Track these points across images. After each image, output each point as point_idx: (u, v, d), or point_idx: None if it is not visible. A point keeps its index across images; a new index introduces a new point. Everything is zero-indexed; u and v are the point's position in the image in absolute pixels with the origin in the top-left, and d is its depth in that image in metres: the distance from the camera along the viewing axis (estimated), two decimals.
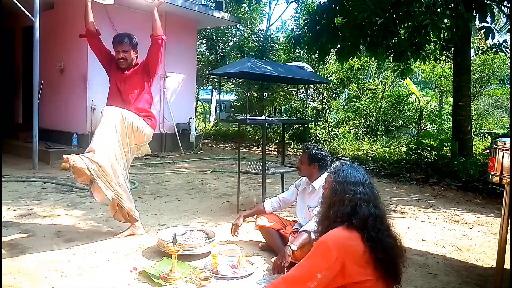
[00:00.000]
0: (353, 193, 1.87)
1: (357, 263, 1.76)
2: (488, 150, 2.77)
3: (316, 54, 7.36)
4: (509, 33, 9.01)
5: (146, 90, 3.55)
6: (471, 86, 9.24)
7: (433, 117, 12.97)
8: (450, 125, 8.81)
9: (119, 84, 3.48)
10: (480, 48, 9.63)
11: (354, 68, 12.66)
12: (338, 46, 6.47)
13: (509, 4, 6.71)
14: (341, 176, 1.94)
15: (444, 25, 5.70)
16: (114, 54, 3.49)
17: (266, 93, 12.78)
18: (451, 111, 8.21)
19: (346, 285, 1.78)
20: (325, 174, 2.95)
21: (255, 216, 3.42)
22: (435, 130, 11.25)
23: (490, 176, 2.63)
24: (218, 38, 13.77)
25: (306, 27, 6.72)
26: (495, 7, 6.73)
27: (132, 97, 3.48)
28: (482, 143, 9.97)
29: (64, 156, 3.03)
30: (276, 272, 2.63)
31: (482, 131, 12.02)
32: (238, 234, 3.35)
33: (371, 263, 1.77)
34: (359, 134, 11.84)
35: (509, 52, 8.49)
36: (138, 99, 3.50)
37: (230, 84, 15.47)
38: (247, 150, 11.08)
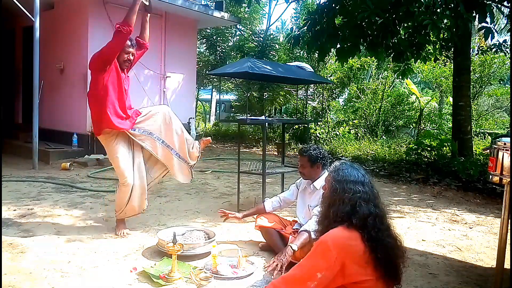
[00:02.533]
0: (353, 192, 1.86)
1: (357, 263, 1.76)
2: (488, 150, 2.77)
3: (316, 54, 7.35)
4: (509, 33, 9.02)
5: None
6: (471, 86, 9.23)
7: (433, 117, 12.98)
8: (450, 125, 8.81)
9: (125, 85, 3.55)
10: (480, 48, 9.63)
11: (354, 68, 12.66)
12: (338, 46, 6.46)
13: (509, 4, 6.71)
14: (341, 175, 1.94)
15: (444, 25, 5.70)
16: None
17: (266, 93, 12.76)
18: (451, 111, 8.21)
19: (346, 285, 1.78)
20: (326, 173, 2.95)
21: (255, 216, 3.43)
22: (435, 130, 11.25)
23: (490, 176, 2.63)
24: (218, 38, 13.75)
25: (306, 27, 6.72)
26: (495, 7, 6.72)
27: (129, 96, 3.63)
28: (482, 143, 9.97)
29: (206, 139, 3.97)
30: (275, 272, 2.62)
31: (482, 131, 12.01)
32: (228, 217, 3.42)
33: (371, 263, 1.77)
34: (359, 134, 11.83)
35: (509, 52, 8.50)
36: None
37: (230, 84, 15.46)
38: (247, 150, 11.07)
